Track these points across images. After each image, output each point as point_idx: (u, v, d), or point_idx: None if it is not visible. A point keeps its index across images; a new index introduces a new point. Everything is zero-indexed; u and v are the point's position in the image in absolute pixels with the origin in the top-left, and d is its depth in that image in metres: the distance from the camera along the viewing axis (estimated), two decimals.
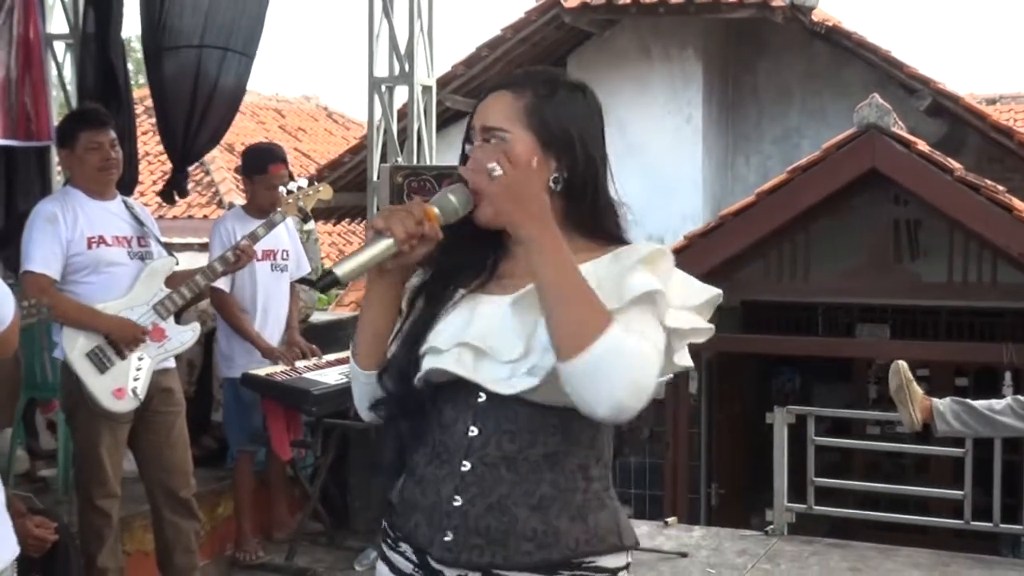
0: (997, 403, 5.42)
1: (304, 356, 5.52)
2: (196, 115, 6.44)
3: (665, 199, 10.92)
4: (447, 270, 2.05)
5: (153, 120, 7.83)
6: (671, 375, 1.97)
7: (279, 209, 5.02)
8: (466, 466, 1.94)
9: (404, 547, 2.03)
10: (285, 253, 5.50)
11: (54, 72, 7.55)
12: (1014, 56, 52.03)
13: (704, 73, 11.13)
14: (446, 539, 1.93)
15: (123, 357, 4.43)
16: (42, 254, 4.36)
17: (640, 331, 1.82)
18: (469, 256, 2.04)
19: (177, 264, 4.75)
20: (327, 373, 5.47)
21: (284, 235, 5.47)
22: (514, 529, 1.90)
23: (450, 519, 1.93)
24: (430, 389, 1.99)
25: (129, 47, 6.90)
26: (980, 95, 15.65)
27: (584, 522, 1.92)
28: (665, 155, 11.03)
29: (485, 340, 1.93)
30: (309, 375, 5.35)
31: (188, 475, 4.81)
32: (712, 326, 1.99)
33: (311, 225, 7.85)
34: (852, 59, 10.95)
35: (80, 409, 4.49)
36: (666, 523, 6.39)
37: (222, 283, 5.08)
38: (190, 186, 16.32)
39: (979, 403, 5.43)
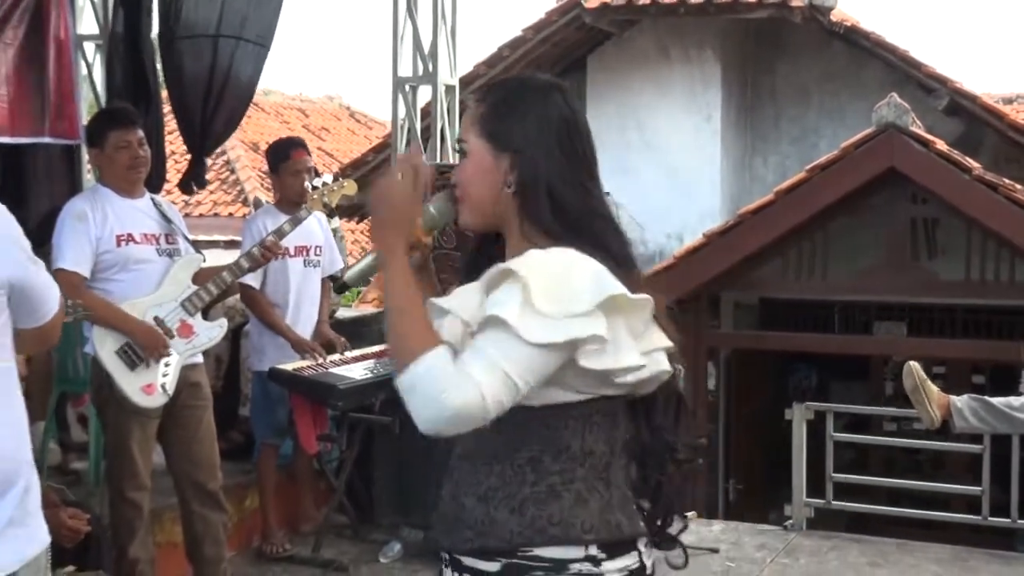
0: (1015, 400, 5.39)
1: (335, 349, 5.52)
2: (211, 104, 6.45)
3: (684, 198, 10.92)
4: (473, 269, 2.10)
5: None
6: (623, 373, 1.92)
7: (305, 205, 5.03)
8: (451, 460, 2.09)
9: None
10: (318, 249, 5.49)
11: (84, 72, 7.59)
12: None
13: (723, 74, 11.11)
14: (433, 522, 2.12)
15: (156, 354, 4.45)
16: (73, 252, 4.36)
17: (485, 351, 1.84)
18: (486, 262, 2.06)
19: (204, 261, 4.76)
20: (353, 368, 5.48)
21: (318, 231, 5.47)
22: (461, 517, 2.02)
23: (436, 506, 2.11)
24: None
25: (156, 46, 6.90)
26: (997, 94, 15.55)
27: (522, 515, 1.96)
28: (684, 154, 11.02)
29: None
30: (335, 370, 5.35)
31: (215, 468, 4.83)
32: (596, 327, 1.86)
33: (336, 223, 7.86)
34: (870, 59, 10.92)
35: (110, 404, 4.51)
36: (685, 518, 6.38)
37: (253, 279, 5.09)
38: (216, 184, 16.43)
39: (997, 400, 5.40)
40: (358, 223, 12.88)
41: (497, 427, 1.90)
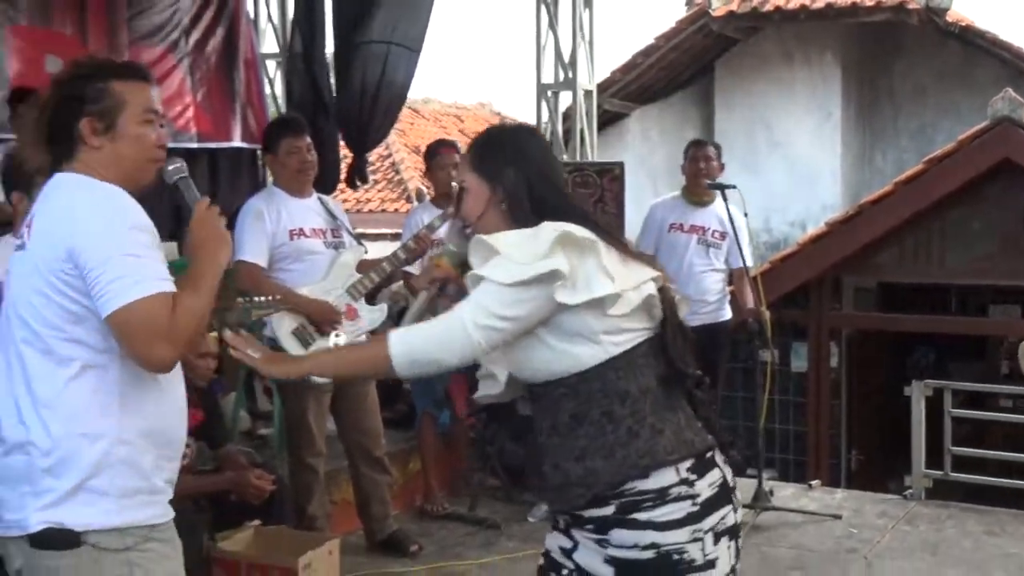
0: None
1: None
2: (367, 105, 6.52)
3: (806, 190, 10.73)
4: None
5: None
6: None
7: (422, 272, 5.08)
8: (541, 439, 2.22)
9: None
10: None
11: (266, 86, 7.81)
12: None
13: (842, 74, 10.87)
14: (543, 493, 2.37)
15: (323, 335, 4.53)
16: (251, 245, 4.47)
17: (470, 298, 2.11)
18: None
19: (366, 252, 4.83)
20: None
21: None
22: (568, 480, 2.15)
23: (543, 481, 2.26)
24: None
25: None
26: None
27: (613, 458, 2.10)
28: (806, 150, 10.82)
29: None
30: None
31: (380, 437, 4.92)
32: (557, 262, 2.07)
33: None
34: (985, 57, 10.48)
35: (289, 381, 4.62)
36: (810, 486, 6.22)
37: (414, 267, 5.14)
38: (383, 183, 16.69)
39: None
40: None
41: (566, 400, 2.13)
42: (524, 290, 2.05)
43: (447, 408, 5.50)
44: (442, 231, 5.12)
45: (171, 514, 2.20)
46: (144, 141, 2.22)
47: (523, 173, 2.24)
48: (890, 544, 5.13)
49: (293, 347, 4.47)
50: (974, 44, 10.49)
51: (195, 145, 6.89)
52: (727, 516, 2.14)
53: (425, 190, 5.81)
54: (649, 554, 2.08)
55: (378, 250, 5.04)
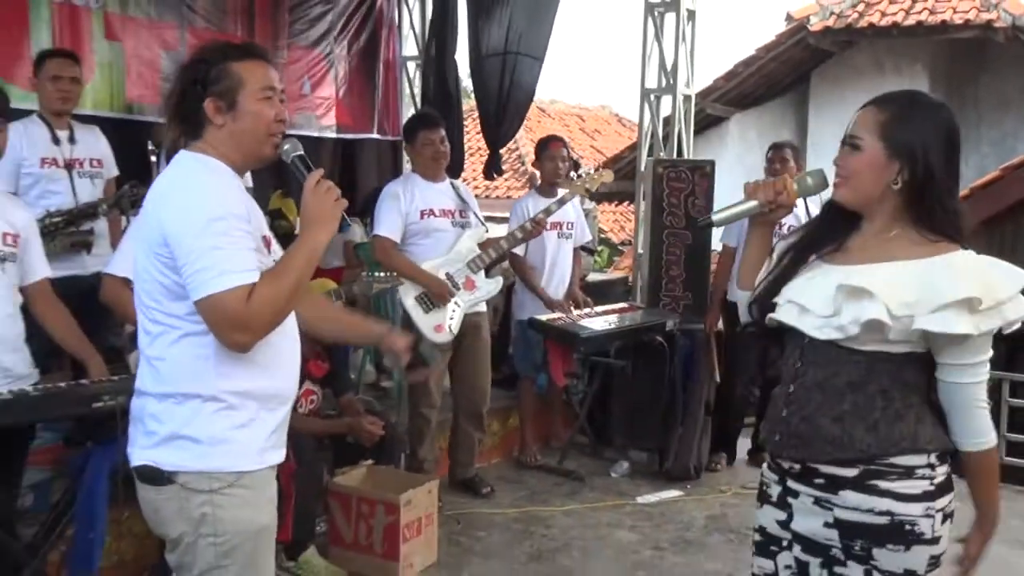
0: None
1: (579, 306, 5.54)
2: (500, 108, 6.61)
3: None
4: (813, 239, 2.19)
5: (475, 123, 8.12)
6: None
7: (568, 190, 5.12)
8: (791, 388, 2.14)
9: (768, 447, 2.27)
10: (570, 225, 5.52)
11: (407, 84, 7.96)
12: None
13: (930, 85, 10.39)
14: (775, 439, 2.16)
15: (444, 302, 4.63)
16: (388, 223, 4.62)
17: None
18: (831, 230, 2.17)
19: (487, 232, 4.91)
20: (596, 321, 5.47)
21: (570, 210, 5.47)
22: (818, 435, 2.07)
23: (778, 425, 2.15)
24: (782, 331, 2.18)
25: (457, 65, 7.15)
26: None
27: (876, 432, 2.03)
28: None
29: (808, 300, 2.09)
30: (581, 322, 5.36)
31: (486, 395, 5.01)
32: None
33: (591, 204, 7.86)
34: None
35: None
36: None
37: (519, 248, 5.18)
38: (510, 173, 16.80)
39: None
40: (616, 206, 12.82)
41: (855, 367, 2.04)
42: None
43: (544, 372, 5.51)
44: (557, 216, 5.15)
45: (265, 463, 2.16)
46: (262, 117, 2.14)
47: (931, 168, 2.01)
48: None
49: (416, 311, 4.63)
50: None
51: (335, 135, 7.06)
52: (952, 501, 2.07)
53: (537, 174, 5.83)
54: (883, 520, 2.02)
55: (502, 232, 5.13)
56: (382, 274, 4.94)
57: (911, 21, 9.92)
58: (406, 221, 4.65)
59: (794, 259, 2.19)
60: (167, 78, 5.85)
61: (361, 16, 7.19)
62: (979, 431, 2.03)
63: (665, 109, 7.20)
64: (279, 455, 2.22)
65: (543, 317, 5.29)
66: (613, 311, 5.81)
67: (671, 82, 6.99)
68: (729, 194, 7.40)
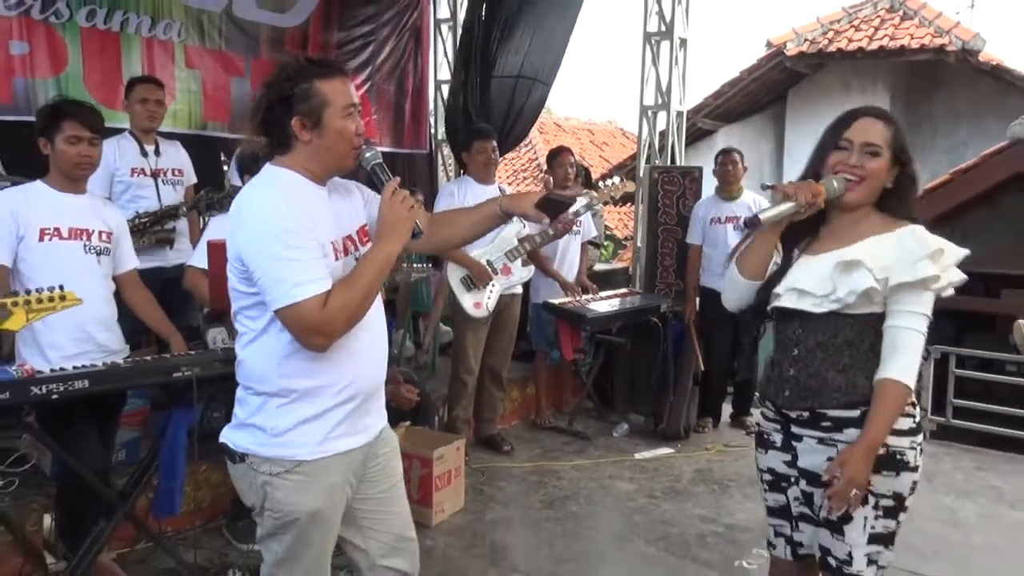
0: None
1: (586, 291, 5.53)
2: (509, 122, 6.55)
3: None
4: (795, 234, 2.23)
5: None
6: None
7: (594, 195, 5.11)
8: (795, 352, 2.17)
9: (768, 403, 2.29)
10: (579, 222, 5.52)
11: (441, 105, 7.92)
12: None
13: (891, 102, 10.25)
14: (785, 394, 2.19)
15: (484, 284, 4.65)
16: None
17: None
18: (807, 225, 2.21)
19: (525, 228, 4.86)
20: (600, 304, 5.46)
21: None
22: (826, 384, 2.12)
23: (786, 383, 2.18)
24: (775, 312, 2.23)
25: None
26: None
27: (872, 380, 2.08)
28: None
29: (805, 285, 2.15)
30: (588, 305, 5.36)
31: (508, 359, 5.06)
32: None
33: (598, 206, 7.82)
34: (1012, 89, 9.71)
35: (457, 314, 4.79)
36: None
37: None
38: (530, 179, 16.68)
39: None
40: (620, 207, 12.74)
41: (848, 328, 2.11)
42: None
43: (556, 348, 5.52)
44: (583, 219, 5.13)
45: (326, 453, 2.02)
46: (346, 133, 1.98)
47: (913, 176, 2.18)
48: None
49: (460, 289, 4.68)
50: (1003, 79, 9.73)
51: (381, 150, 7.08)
52: (923, 438, 2.17)
53: (550, 180, 5.81)
54: (880, 451, 2.06)
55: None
56: (418, 264, 4.98)
57: (874, 46, 9.76)
58: None
59: (785, 257, 2.25)
60: (235, 100, 5.89)
61: (395, 45, 7.18)
62: (907, 370, 2.06)
63: (661, 123, 7.15)
64: (350, 442, 2.06)
65: (555, 301, 5.29)
66: (615, 296, 5.80)
67: (666, 100, 6.95)
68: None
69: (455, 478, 4.11)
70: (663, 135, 7.11)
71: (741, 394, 5.80)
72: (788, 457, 2.23)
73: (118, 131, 4.34)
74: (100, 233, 3.10)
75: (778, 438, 2.25)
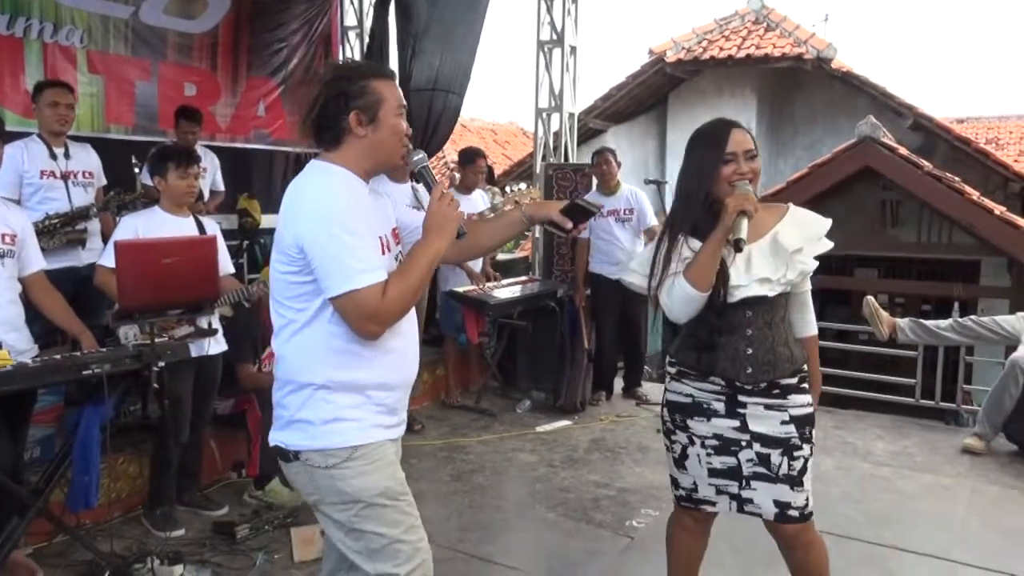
0: (942, 323, 5.03)
1: (490, 280, 5.51)
2: (428, 132, 6.44)
3: None
4: (702, 236, 2.21)
5: None
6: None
7: (502, 200, 5.02)
8: (749, 332, 2.23)
9: (712, 379, 2.29)
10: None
11: None
12: (979, 85, 47.55)
13: (758, 104, 10.58)
14: (748, 371, 2.23)
15: None
16: None
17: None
18: (710, 225, 2.20)
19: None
20: (502, 291, 5.45)
21: (481, 204, 5.40)
22: (780, 358, 2.24)
23: (747, 361, 2.23)
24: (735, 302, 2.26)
25: None
26: (952, 116, 14.36)
27: (798, 347, 2.30)
28: None
29: (765, 272, 2.22)
30: (491, 292, 5.34)
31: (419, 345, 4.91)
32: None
33: (499, 200, 7.81)
34: (860, 93, 10.17)
35: None
36: None
37: None
38: (439, 177, 16.61)
39: (929, 322, 5.05)
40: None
41: (780, 307, 2.26)
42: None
43: (463, 332, 5.48)
44: (470, 208, 5.06)
45: (377, 437, 1.88)
46: (398, 130, 1.89)
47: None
48: None
49: None
50: (852, 84, 10.17)
51: (284, 149, 6.82)
52: None
53: (457, 176, 5.75)
54: (810, 409, 2.27)
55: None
56: None
57: (742, 54, 10.04)
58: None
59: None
60: (140, 104, 5.58)
61: (306, 51, 6.94)
62: (814, 323, 2.34)
63: (555, 124, 7.17)
64: (390, 433, 1.94)
65: (460, 289, 5.25)
66: (516, 283, 5.80)
67: (559, 103, 6.96)
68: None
69: None
70: (557, 135, 7.13)
71: (631, 368, 5.89)
72: (736, 423, 2.27)
73: (22, 135, 4.07)
74: (3, 236, 2.90)
75: (721, 407, 2.28)
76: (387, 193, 4.59)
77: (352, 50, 7.75)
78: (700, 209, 2.21)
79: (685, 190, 2.26)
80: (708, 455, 2.32)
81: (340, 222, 1.77)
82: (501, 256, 7.17)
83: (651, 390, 5.88)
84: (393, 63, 6.66)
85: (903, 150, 8.13)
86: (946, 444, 4.90)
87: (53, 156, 4.09)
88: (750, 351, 2.22)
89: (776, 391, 2.23)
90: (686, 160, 2.28)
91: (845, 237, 8.72)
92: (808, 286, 2.32)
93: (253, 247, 6.04)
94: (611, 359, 5.80)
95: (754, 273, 2.21)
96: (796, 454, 2.23)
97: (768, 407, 2.23)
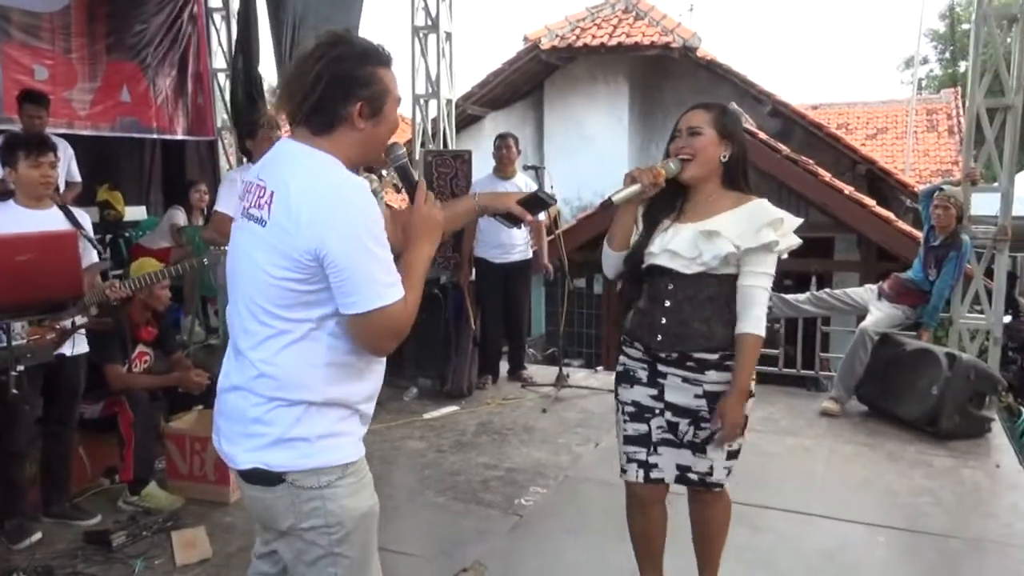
0: (801, 296, 5.37)
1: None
2: None
3: (605, 170, 10.74)
4: (659, 207, 2.39)
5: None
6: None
7: (379, 185, 4.87)
8: (667, 304, 2.35)
9: (636, 344, 2.43)
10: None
11: (218, 93, 7.43)
12: (830, 73, 50.89)
13: (629, 91, 10.89)
14: (658, 339, 2.36)
15: None
16: (226, 201, 4.12)
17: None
18: (669, 199, 2.37)
19: None
20: None
21: None
22: (692, 332, 2.32)
23: (660, 329, 2.35)
24: (648, 269, 2.38)
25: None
26: (807, 103, 15.30)
27: (728, 329, 2.31)
28: (605, 142, 10.85)
29: (677, 248, 2.32)
30: None
31: None
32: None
33: (377, 186, 7.72)
34: (724, 80, 10.67)
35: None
36: (596, 371, 6.33)
37: None
38: None
39: (790, 296, 5.38)
40: (399, 192, 12.66)
41: (710, 286, 2.31)
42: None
43: None
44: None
45: (363, 451, 1.76)
46: (395, 125, 1.73)
47: (743, 146, 2.38)
48: None
49: None
50: (716, 72, 10.66)
51: (155, 136, 6.52)
52: None
53: None
54: (727, 387, 2.31)
55: None
56: (219, 248, 4.54)
57: (613, 42, 10.31)
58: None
59: (648, 226, 2.40)
60: None
61: (174, 32, 6.62)
62: (758, 321, 2.31)
63: (433, 111, 7.16)
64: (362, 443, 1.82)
65: None
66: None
67: (436, 90, 6.96)
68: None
69: None
70: (435, 121, 7.13)
71: (515, 351, 5.99)
72: (655, 392, 2.39)
73: None
74: None
75: (643, 375, 2.41)
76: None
77: (218, 32, 7.44)
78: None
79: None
80: (625, 422, 2.48)
81: (372, 232, 1.59)
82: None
83: (535, 372, 6.00)
84: (266, 50, 6.48)
85: (763, 135, 8.61)
86: (807, 408, 5.27)
87: None
88: (664, 321, 2.34)
89: (690, 363, 2.32)
90: None
91: None
92: (752, 281, 2.29)
93: (117, 240, 5.73)
94: (496, 343, 5.87)
95: (670, 246, 2.33)
96: (703, 425, 2.35)
97: (685, 380, 2.33)
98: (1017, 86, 5.32)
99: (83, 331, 3.34)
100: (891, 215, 8.35)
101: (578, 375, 6.09)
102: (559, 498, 3.78)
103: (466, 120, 10.74)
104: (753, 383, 2.36)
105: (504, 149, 5.60)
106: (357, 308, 1.59)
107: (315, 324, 1.63)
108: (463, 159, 6.33)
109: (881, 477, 4.10)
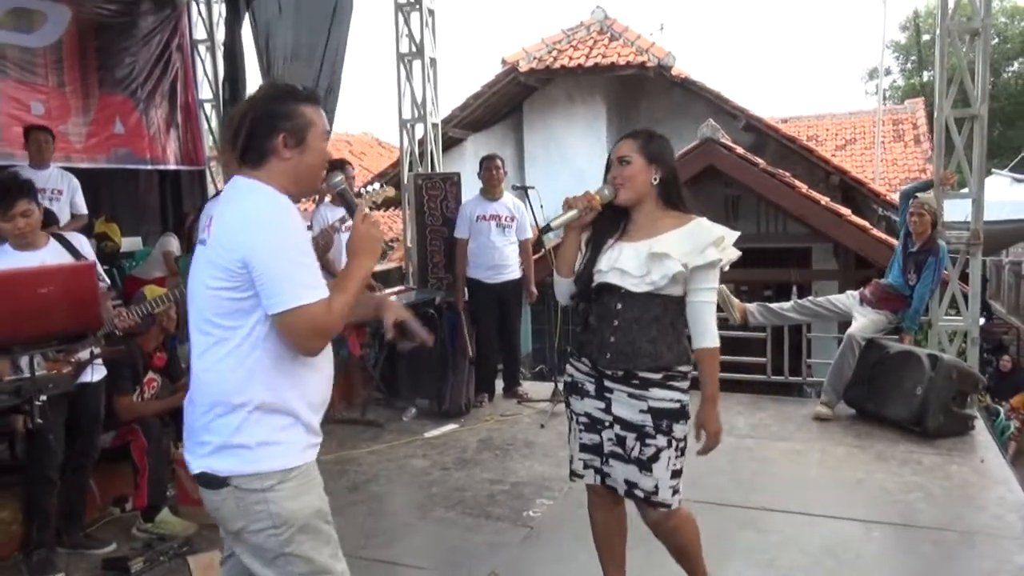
0: (785, 305, 5.51)
1: (372, 290, 5.50)
2: None
3: (585, 188, 10.79)
4: (603, 229, 2.49)
5: None
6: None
7: (359, 201, 4.96)
8: (616, 323, 2.42)
9: (584, 360, 2.51)
10: (348, 226, 5.44)
11: (205, 123, 7.49)
12: (797, 87, 51.83)
13: (607, 110, 11.06)
14: (606, 357, 2.43)
15: None
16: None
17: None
18: (612, 221, 2.48)
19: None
20: None
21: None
22: (639, 352, 2.39)
23: (608, 348, 2.42)
24: (598, 288, 2.46)
25: None
26: (778, 117, 15.61)
27: (672, 350, 2.39)
28: (585, 161, 10.91)
29: (625, 266, 2.40)
30: None
31: None
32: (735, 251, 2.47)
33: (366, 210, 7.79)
34: (698, 98, 10.88)
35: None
36: None
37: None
38: None
39: (774, 305, 5.51)
40: (384, 211, 12.70)
41: (656, 306, 2.38)
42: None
43: (344, 346, 5.46)
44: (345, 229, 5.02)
45: (308, 458, 1.89)
46: (324, 155, 1.91)
47: (671, 167, 2.47)
48: None
49: None
50: (691, 90, 10.87)
51: (150, 167, 6.56)
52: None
53: (324, 185, 5.65)
54: (676, 405, 2.40)
55: None
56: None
57: (590, 63, 10.49)
58: None
59: (594, 248, 2.49)
60: None
61: (162, 65, 6.68)
62: (712, 334, 2.43)
63: (419, 134, 7.27)
64: (316, 451, 1.94)
65: None
66: (393, 293, 5.81)
67: (422, 114, 7.07)
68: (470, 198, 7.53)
69: None
70: (422, 143, 7.23)
71: (510, 369, 6.07)
72: (603, 405, 2.47)
73: None
74: None
75: (591, 388, 2.49)
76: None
77: (204, 63, 7.51)
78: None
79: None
80: (580, 431, 2.58)
81: (294, 243, 1.78)
82: (378, 266, 7.16)
83: (530, 388, 6.09)
84: (252, 79, 6.57)
85: (740, 149, 8.81)
86: (796, 413, 5.40)
87: None
88: (612, 339, 2.41)
89: (635, 381, 2.39)
90: None
91: None
92: (701, 297, 2.39)
93: (112, 272, 5.74)
94: (491, 361, 5.95)
95: (617, 264, 2.41)
96: (648, 441, 2.40)
97: (630, 395, 2.40)
98: (981, 96, 5.54)
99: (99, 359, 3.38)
100: (866, 223, 8.56)
101: None
102: (567, 508, 3.86)
103: (448, 142, 10.81)
104: (690, 404, 2.45)
105: (492, 170, 5.71)
106: (279, 307, 1.76)
107: (249, 330, 1.80)
108: (452, 181, 6.44)
109: (873, 476, 4.23)
